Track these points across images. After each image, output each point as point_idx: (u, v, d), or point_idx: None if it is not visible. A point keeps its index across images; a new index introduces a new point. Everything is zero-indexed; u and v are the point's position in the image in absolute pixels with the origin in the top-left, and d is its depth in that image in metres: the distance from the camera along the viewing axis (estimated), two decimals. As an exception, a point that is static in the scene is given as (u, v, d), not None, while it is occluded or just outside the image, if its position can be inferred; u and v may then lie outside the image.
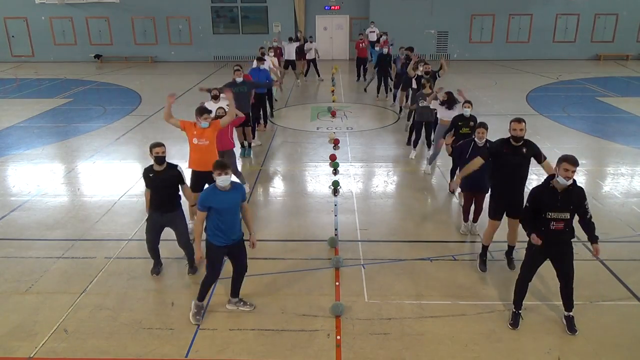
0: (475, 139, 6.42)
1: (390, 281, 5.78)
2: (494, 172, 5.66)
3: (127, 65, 23.51)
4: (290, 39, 18.11)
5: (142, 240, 5.99)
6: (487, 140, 6.35)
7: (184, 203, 5.87)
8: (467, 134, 7.46)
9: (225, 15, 24.05)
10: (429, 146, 9.93)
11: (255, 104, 10.97)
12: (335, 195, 8.26)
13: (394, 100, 14.43)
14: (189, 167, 6.73)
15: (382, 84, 15.53)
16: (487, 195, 6.21)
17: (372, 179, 9.21)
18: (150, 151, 5.52)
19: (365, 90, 16.62)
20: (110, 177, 9.12)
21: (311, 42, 18.63)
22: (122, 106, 14.89)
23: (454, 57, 24.04)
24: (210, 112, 6.84)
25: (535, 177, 8.00)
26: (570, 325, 4.87)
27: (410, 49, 13.09)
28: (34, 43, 24.34)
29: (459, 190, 6.54)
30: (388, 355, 4.62)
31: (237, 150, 9.66)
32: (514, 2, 23.23)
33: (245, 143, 10.26)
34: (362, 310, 5.25)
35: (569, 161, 4.36)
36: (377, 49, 16.97)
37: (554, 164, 4.60)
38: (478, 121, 6.80)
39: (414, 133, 10.24)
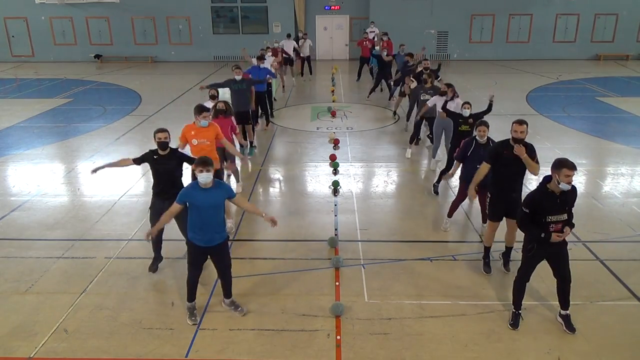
0: (477, 137, 6.44)
1: (390, 281, 5.78)
2: (493, 173, 5.69)
3: (127, 65, 23.50)
4: (289, 36, 18.19)
5: (142, 240, 5.99)
6: (489, 139, 6.38)
7: None
8: (466, 131, 7.58)
9: (225, 15, 24.05)
10: (431, 141, 9.96)
11: (255, 103, 10.98)
12: (335, 195, 8.27)
13: (389, 99, 14.48)
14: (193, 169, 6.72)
15: (379, 86, 15.51)
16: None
17: (372, 179, 9.21)
18: (154, 136, 5.53)
19: (367, 97, 15.76)
20: (110, 177, 9.10)
21: (305, 38, 18.62)
22: (122, 106, 14.86)
23: (454, 57, 24.06)
24: (209, 110, 6.86)
25: (535, 177, 7.97)
26: (568, 323, 4.88)
27: (410, 55, 13.10)
28: (34, 43, 24.33)
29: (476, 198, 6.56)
30: (388, 355, 4.62)
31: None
32: (514, 2, 23.22)
33: (246, 143, 10.24)
34: (362, 310, 5.25)
35: (569, 167, 4.40)
36: (377, 48, 16.89)
37: (549, 165, 4.59)
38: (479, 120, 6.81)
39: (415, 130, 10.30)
